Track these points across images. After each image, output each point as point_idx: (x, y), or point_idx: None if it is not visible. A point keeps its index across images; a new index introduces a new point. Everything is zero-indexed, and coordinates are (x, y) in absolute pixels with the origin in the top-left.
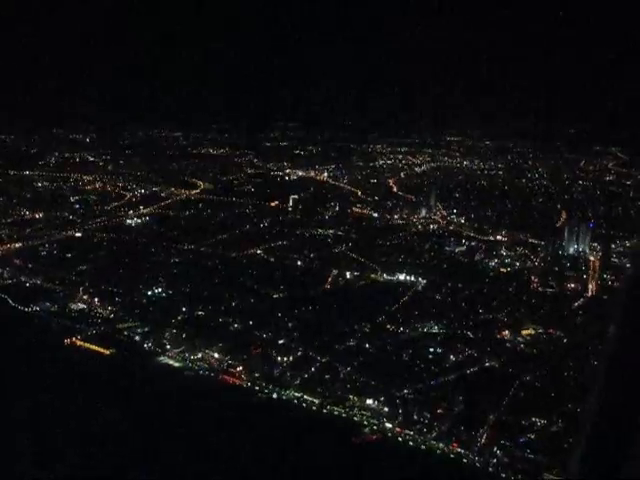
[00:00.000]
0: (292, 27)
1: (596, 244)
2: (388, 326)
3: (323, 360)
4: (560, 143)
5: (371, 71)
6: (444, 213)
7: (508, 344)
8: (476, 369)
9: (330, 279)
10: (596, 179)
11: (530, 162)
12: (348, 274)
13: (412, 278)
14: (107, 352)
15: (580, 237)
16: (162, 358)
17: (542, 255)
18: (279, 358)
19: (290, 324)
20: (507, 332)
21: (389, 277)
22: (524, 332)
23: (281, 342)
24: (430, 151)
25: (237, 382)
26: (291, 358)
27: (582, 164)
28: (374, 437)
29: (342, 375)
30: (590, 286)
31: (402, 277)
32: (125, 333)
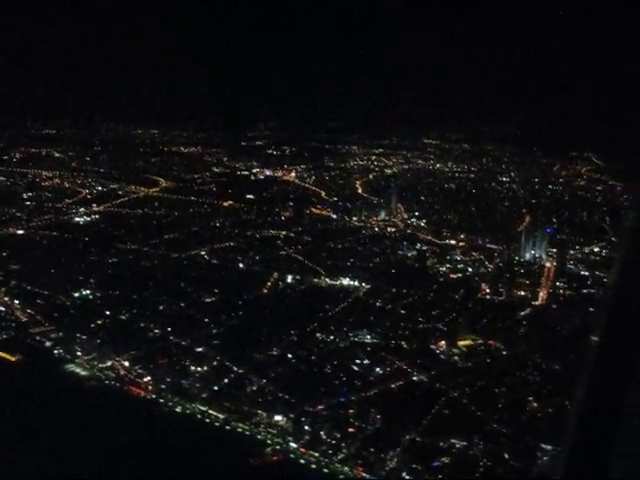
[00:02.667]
0: (273, 26)
1: (555, 250)
2: (318, 335)
3: (239, 371)
4: (537, 148)
5: (352, 73)
6: (405, 216)
7: (442, 356)
8: (402, 383)
9: (269, 283)
10: (567, 184)
11: (504, 166)
12: (290, 278)
13: (356, 283)
14: (13, 359)
15: (537, 243)
16: (70, 366)
17: (497, 261)
18: (192, 368)
19: (214, 331)
20: (443, 343)
21: (332, 282)
22: (461, 343)
23: (199, 350)
24: (405, 153)
25: (142, 393)
26: (205, 368)
27: (555, 169)
28: (274, 458)
29: (255, 388)
30: (541, 294)
31: (346, 282)
32: (37, 338)
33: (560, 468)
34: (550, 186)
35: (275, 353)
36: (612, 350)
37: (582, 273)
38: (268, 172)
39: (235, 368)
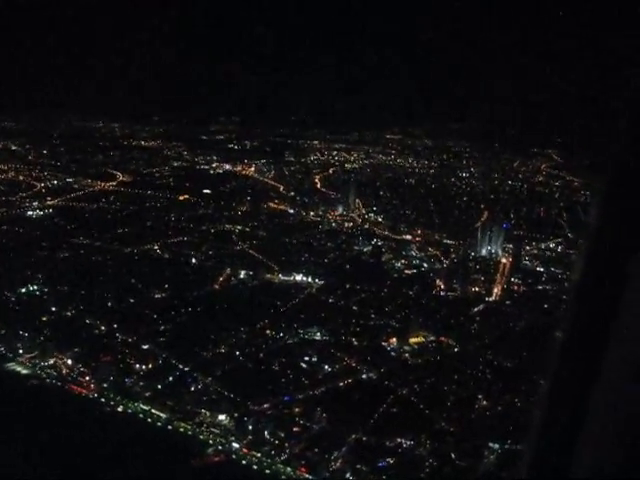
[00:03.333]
0: (237, 17)
1: (511, 246)
2: (268, 331)
3: (184, 369)
4: (498, 144)
5: (317, 67)
6: (363, 211)
7: (393, 353)
8: (350, 381)
9: (222, 279)
10: (526, 180)
11: (465, 162)
12: (242, 273)
13: (309, 279)
14: None
15: (493, 238)
16: (11, 364)
17: (452, 256)
18: (136, 366)
19: (162, 327)
20: (394, 340)
21: (285, 277)
22: (412, 340)
23: (145, 347)
24: (367, 148)
25: (84, 392)
26: (150, 366)
27: (515, 165)
28: (216, 459)
29: (200, 386)
30: (495, 290)
31: (299, 278)
32: None
33: (524, 469)
34: (509, 182)
35: (223, 351)
36: (577, 347)
37: (537, 269)
38: (228, 166)
39: (181, 366)
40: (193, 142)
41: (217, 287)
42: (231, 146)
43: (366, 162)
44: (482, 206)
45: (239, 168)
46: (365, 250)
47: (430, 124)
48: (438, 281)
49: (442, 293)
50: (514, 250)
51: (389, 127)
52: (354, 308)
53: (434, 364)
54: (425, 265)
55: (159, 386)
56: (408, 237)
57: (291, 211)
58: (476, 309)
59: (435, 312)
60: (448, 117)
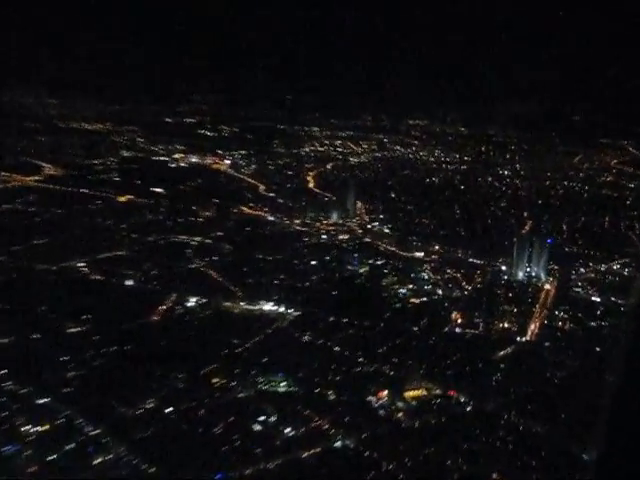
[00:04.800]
0: None
1: (558, 267)
2: (215, 380)
3: (91, 432)
4: (555, 133)
5: (317, 32)
6: (365, 219)
7: (381, 411)
8: (318, 451)
9: (164, 307)
10: (589, 180)
11: (508, 156)
12: (193, 300)
13: (281, 308)
14: None
15: (535, 257)
16: None
17: (478, 281)
18: (25, 427)
19: (71, 374)
20: (385, 393)
21: (250, 306)
22: (410, 394)
23: (41, 402)
24: (381, 137)
25: None
26: (45, 427)
27: (576, 160)
28: None
29: (109, 457)
30: (531, 327)
31: (268, 307)
32: None
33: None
34: (566, 182)
35: (149, 406)
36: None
37: (592, 299)
38: (194, 159)
39: (87, 428)
40: (153, 126)
41: (156, 318)
42: (203, 132)
43: (378, 155)
44: (525, 214)
45: (209, 161)
46: (361, 271)
47: (467, 107)
48: (455, 314)
49: (458, 330)
50: (562, 273)
51: (413, 110)
52: (336, 349)
53: (436, 428)
54: (439, 292)
55: (51, 457)
56: (420, 255)
57: (270, 218)
58: (502, 352)
59: (445, 356)
60: (491, 98)
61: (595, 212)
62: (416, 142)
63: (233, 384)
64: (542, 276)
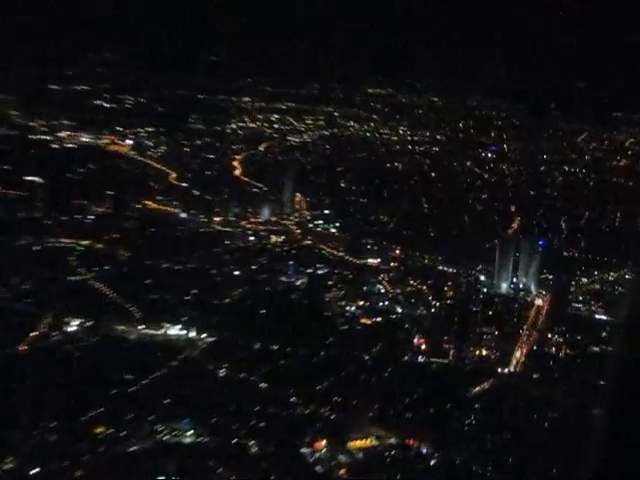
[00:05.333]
0: None
1: (552, 277)
2: (100, 429)
3: None
4: (555, 104)
5: None
6: (307, 215)
7: (318, 467)
8: None
9: (37, 333)
10: (596, 164)
11: (493, 133)
12: (75, 324)
13: (193, 333)
14: None
15: (523, 264)
16: None
17: (450, 295)
18: None
19: None
20: (324, 443)
21: (151, 330)
22: (356, 444)
23: None
24: (331, 110)
25: None
26: None
27: (580, 139)
28: None
29: None
30: (517, 354)
31: (175, 331)
32: None
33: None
34: (566, 168)
35: (7, 467)
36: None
37: (597, 317)
38: (85, 138)
39: None
40: (31, 94)
41: (23, 348)
42: (99, 103)
43: (326, 133)
44: (512, 209)
45: (105, 141)
46: (298, 284)
47: (442, 71)
48: (418, 338)
49: (422, 359)
50: (558, 284)
51: (372, 76)
52: (262, 386)
53: None
54: (399, 310)
55: None
56: (375, 261)
57: (183, 215)
58: (478, 388)
59: (404, 393)
60: (472, 59)
61: (603, 206)
62: (376, 116)
63: (123, 434)
64: (532, 288)
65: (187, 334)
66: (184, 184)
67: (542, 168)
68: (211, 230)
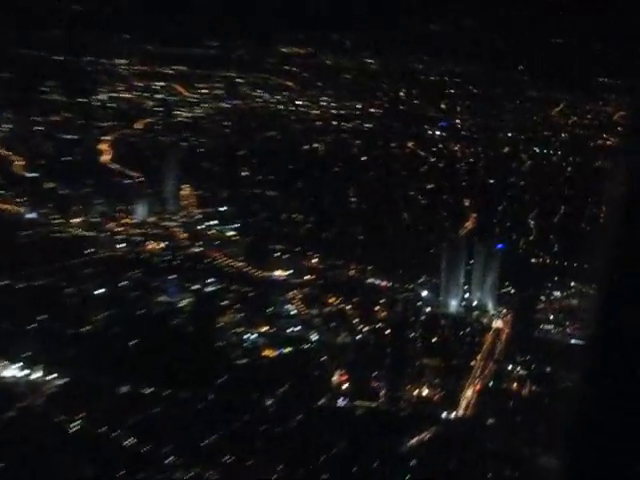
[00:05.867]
0: None
1: (514, 291)
2: None
3: None
4: (525, 67)
5: None
6: (196, 214)
7: None
8: None
9: None
10: (576, 144)
11: (444, 104)
12: None
13: (38, 373)
14: None
15: (477, 275)
16: None
17: (381, 316)
18: None
19: None
20: None
21: None
22: None
23: None
24: (233, 76)
25: None
26: None
27: (557, 111)
28: None
29: None
30: (467, 393)
31: (12, 370)
32: None
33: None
34: (537, 149)
35: None
36: None
37: (573, 342)
38: None
39: None
40: None
41: None
42: None
43: (226, 106)
44: (466, 203)
45: None
46: (183, 304)
47: (378, 25)
48: (339, 374)
49: (343, 402)
50: (523, 300)
51: (288, 31)
52: (128, 442)
53: None
54: (314, 337)
55: None
56: (285, 274)
57: (30, 215)
58: (416, 439)
59: (318, 448)
60: (417, 12)
61: (584, 198)
62: (291, 84)
63: None
64: (489, 306)
65: (29, 375)
66: (33, 174)
67: (506, 149)
68: (67, 235)
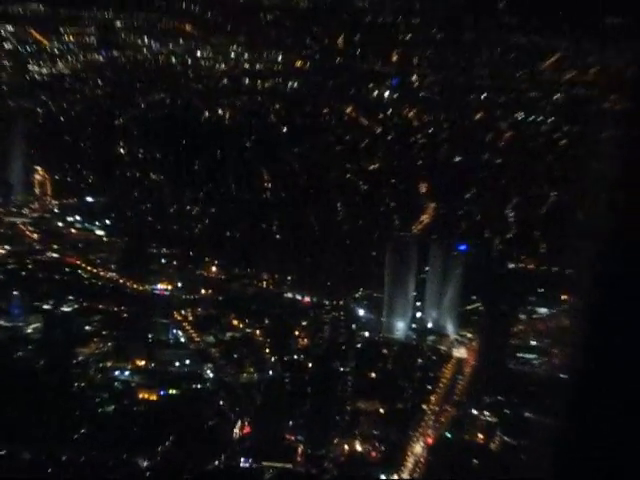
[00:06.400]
0: None
1: (482, 306)
2: None
3: None
4: (508, 3)
5: None
6: (54, 206)
7: None
8: None
9: None
10: (572, 107)
11: (396, 55)
12: None
13: None
14: None
15: (432, 285)
16: None
17: (302, 343)
18: None
19: None
20: None
21: None
22: None
23: None
24: (109, 18)
25: None
26: None
27: (549, 63)
28: None
29: None
30: (414, 449)
31: None
32: None
33: None
34: (521, 114)
35: None
36: None
37: (562, 376)
38: None
39: None
40: None
41: None
42: None
43: (99, 58)
44: (422, 189)
45: None
46: (30, 330)
47: None
48: (241, 426)
49: (246, 463)
50: (492, 320)
51: None
52: None
53: None
54: (209, 374)
55: None
56: (170, 287)
57: None
58: None
59: None
60: None
61: (580, 182)
62: (189, 28)
63: None
64: (448, 328)
65: None
66: None
67: (478, 115)
68: None
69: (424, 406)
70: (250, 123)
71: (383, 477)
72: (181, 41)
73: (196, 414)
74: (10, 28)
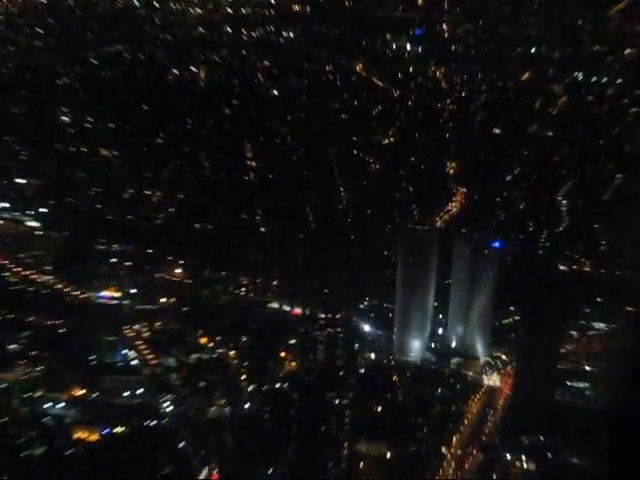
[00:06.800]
0: None
1: (521, 320)
2: None
3: None
4: None
5: None
6: None
7: None
8: None
9: None
10: (638, 67)
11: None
12: None
13: None
14: None
15: (457, 293)
16: None
17: (287, 368)
18: None
19: None
20: None
21: None
22: None
23: None
24: None
25: None
26: None
27: (617, 9)
28: None
29: None
30: None
31: None
32: None
33: None
34: (579, 74)
35: None
36: None
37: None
38: None
39: None
40: None
41: None
42: None
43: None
44: (450, 171)
45: None
46: None
47: None
48: (208, 473)
49: None
50: (534, 338)
51: None
52: None
53: None
54: (167, 407)
55: None
56: (120, 294)
57: None
58: None
59: None
60: None
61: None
62: None
63: None
64: (477, 348)
65: None
66: None
67: (525, 76)
68: None
69: (444, 449)
70: (231, 84)
71: None
72: None
73: (149, 459)
74: None
